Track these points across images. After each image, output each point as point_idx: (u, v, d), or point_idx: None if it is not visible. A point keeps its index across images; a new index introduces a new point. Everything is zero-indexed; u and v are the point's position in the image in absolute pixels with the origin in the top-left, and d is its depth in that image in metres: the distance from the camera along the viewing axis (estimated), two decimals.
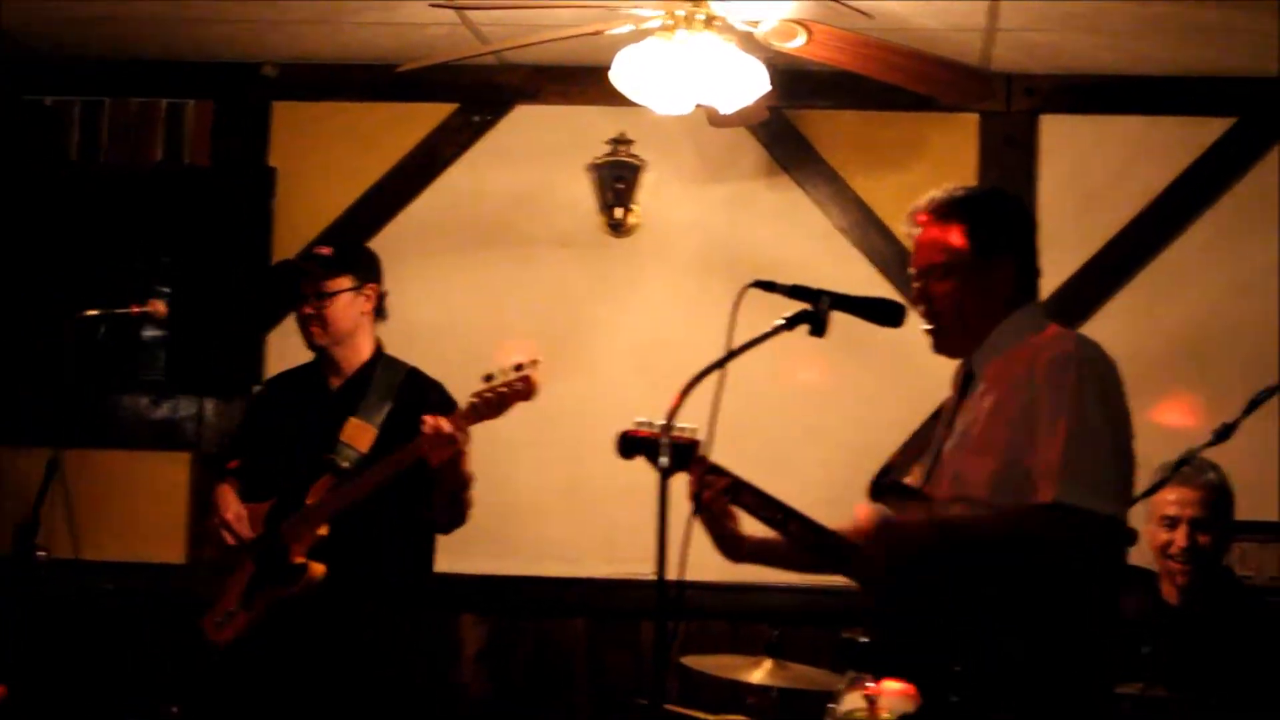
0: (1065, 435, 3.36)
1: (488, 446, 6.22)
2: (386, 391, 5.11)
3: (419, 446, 4.80)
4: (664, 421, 3.55)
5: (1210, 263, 6.34)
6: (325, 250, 5.21)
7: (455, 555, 6.19)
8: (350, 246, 5.41)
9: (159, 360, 6.62)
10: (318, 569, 4.91)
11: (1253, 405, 4.33)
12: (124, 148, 6.76)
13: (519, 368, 4.74)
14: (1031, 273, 3.74)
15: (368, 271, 5.21)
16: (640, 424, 4.00)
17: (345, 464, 4.98)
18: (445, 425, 4.76)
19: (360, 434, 5.04)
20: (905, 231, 3.77)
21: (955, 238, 3.65)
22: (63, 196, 6.70)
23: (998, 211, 3.73)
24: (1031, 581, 3.37)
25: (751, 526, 3.88)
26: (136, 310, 5.33)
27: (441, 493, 4.96)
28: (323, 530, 4.94)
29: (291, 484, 5.02)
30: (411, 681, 5.08)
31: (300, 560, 4.91)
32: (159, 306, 5.41)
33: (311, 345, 5.16)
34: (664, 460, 3.44)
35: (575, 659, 6.45)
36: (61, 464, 5.16)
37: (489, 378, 4.75)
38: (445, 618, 5.45)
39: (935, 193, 3.72)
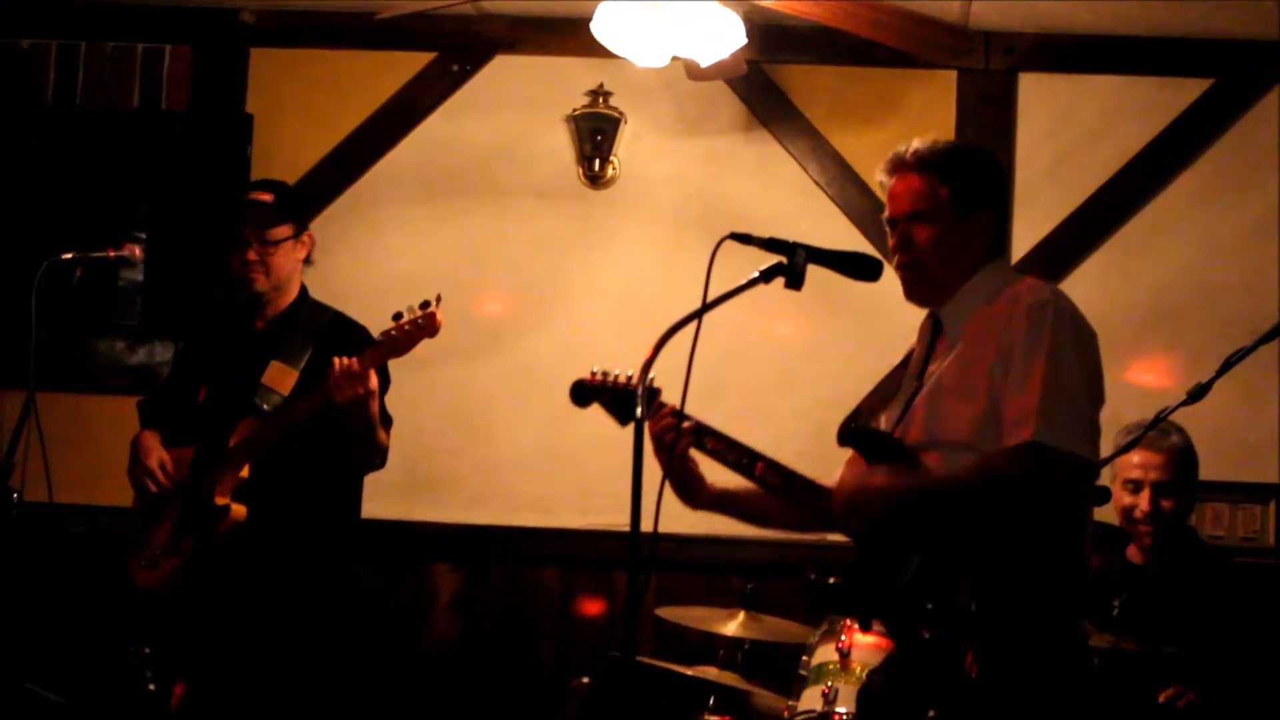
0: (1042, 378, 3.40)
1: (465, 398, 6.26)
2: (310, 335, 5.11)
3: (327, 387, 4.81)
4: (631, 373, 3.54)
5: (1186, 223, 6.36)
6: (266, 196, 5.16)
7: (431, 504, 6.25)
8: (288, 193, 5.32)
9: (135, 305, 6.62)
10: (239, 510, 4.92)
11: (1226, 366, 4.34)
12: (100, 92, 6.73)
13: (425, 305, 4.74)
14: (1003, 230, 3.78)
15: (304, 218, 5.24)
16: (594, 373, 4.06)
17: (266, 407, 4.99)
18: (354, 365, 4.77)
19: (282, 377, 5.03)
20: (880, 180, 3.77)
21: (938, 187, 3.67)
22: (38, 140, 6.67)
23: (978, 167, 3.76)
24: (1007, 523, 3.40)
25: (717, 476, 3.90)
26: (113, 254, 5.31)
27: (350, 432, 4.96)
28: (244, 472, 4.94)
29: (215, 427, 5.03)
30: (330, 622, 5.10)
31: (223, 502, 4.92)
32: (135, 251, 5.40)
33: (251, 292, 5.13)
34: (639, 410, 3.42)
35: (548, 609, 6.46)
36: (35, 407, 5.15)
37: (397, 316, 4.76)
38: (361, 559, 5.41)
39: (915, 142, 3.73)
